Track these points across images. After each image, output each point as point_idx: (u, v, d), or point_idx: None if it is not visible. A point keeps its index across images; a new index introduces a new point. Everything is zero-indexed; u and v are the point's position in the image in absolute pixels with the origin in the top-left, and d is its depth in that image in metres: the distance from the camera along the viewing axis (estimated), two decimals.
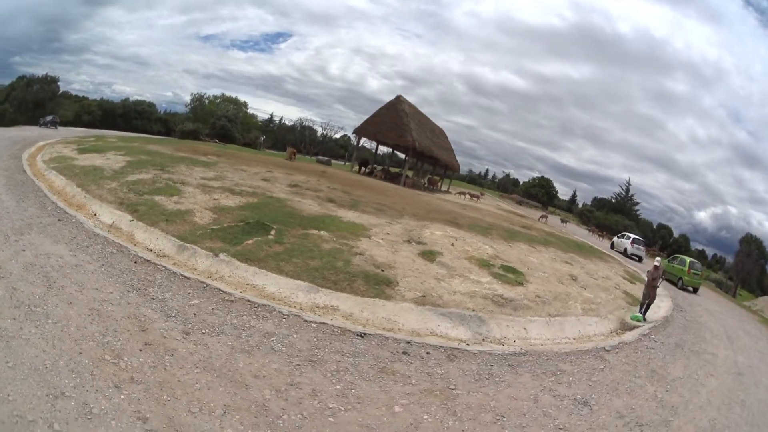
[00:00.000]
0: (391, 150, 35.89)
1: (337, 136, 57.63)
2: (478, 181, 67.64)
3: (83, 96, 48.97)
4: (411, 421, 3.89)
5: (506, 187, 61.84)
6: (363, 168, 28.57)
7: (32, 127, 27.40)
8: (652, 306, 10.26)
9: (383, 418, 3.84)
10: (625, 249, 25.75)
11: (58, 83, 41.04)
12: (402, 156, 35.37)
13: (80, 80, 75.06)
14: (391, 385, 4.46)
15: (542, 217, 30.07)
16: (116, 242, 6.85)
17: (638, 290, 11.31)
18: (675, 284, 17.56)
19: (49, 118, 30.77)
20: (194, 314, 5.03)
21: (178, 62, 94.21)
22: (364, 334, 5.38)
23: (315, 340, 5.00)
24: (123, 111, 45.09)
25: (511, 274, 8.82)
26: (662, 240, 49.65)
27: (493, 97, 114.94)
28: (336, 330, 5.36)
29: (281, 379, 4.09)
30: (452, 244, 9.73)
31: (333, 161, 35.98)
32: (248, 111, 51.20)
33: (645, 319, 9.19)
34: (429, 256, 8.52)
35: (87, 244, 6.58)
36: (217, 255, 6.70)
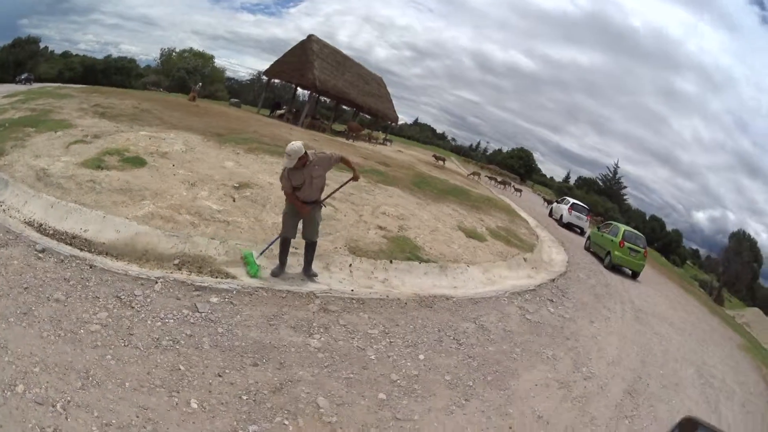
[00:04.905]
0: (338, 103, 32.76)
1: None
2: (467, 152, 68.85)
3: (83, 54, 51.20)
4: None
5: (491, 159, 61.92)
6: (275, 111, 27.27)
7: (9, 85, 29.35)
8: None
9: None
10: (561, 216, 19.67)
11: (39, 43, 44.42)
12: (346, 108, 34.15)
13: (86, 40, 71.72)
14: None
15: (473, 174, 27.74)
16: None
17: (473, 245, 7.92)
18: (602, 260, 13.41)
19: (24, 75, 33.36)
20: None
21: (185, 23, 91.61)
22: None
23: None
24: (104, 67, 46.11)
25: (125, 163, 8.00)
26: (652, 231, 45.71)
27: (500, 76, 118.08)
28: None
29: None
30: (128, 139, 9.31)
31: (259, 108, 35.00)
32: (216, 65, 52.28)
33: (258, 267, 4.85)
34: (73, 144, 8.52)
35: None
36: None
